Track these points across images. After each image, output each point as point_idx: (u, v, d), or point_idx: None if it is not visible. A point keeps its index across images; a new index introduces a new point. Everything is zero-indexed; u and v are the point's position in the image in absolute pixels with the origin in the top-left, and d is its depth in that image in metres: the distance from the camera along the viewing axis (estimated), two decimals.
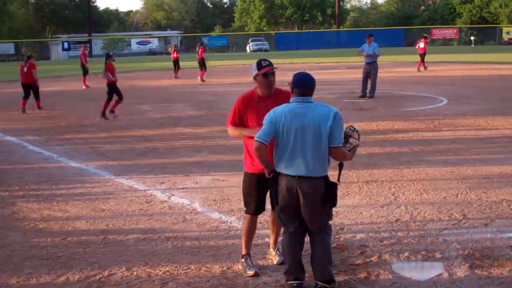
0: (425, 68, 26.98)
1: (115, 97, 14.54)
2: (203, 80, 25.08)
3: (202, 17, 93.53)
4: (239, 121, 4.81)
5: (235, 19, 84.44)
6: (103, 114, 14.40)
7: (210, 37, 73.42)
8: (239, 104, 4.81)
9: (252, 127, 4.73)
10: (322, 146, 4.23)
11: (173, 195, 7.35)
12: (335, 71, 27.59)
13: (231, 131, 4.90)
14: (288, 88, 4.56)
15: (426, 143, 10.28)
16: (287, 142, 4.28)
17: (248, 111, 4.78)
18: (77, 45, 59.20)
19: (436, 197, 6.94)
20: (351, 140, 4.42)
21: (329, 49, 56.60)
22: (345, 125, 4.36)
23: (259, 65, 4.73)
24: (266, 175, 4.44)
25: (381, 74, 25.12)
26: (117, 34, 77.35)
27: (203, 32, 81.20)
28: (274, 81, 4.78)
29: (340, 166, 4.47)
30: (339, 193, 7.02)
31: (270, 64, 4.77)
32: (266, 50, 64.67)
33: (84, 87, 23.70)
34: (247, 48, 68.21)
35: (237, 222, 6.16)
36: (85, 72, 24.34)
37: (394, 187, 7.39)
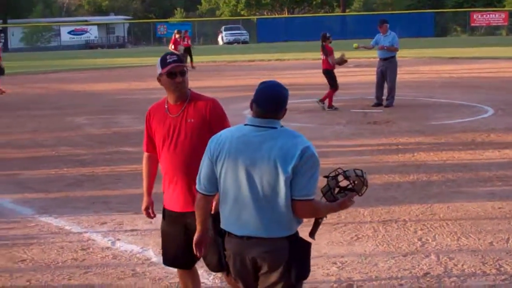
0: None
1: None
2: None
3: None
4: (153, 145, 4.91)
5: (202, 0, 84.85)
6: (330, 106, 17.04)
7: (169, 24, 73.65)
8: (146, 119, 4.96)
9: (158, 148, 4.83)
10: (280, 196, 3.84)
11: (118, 239, 7.33)
12: (340, 70, 27.72)
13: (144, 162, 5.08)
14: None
15: (464, 169, 10.38)
16: (230, 185, 3.94)
17: (156, 126, 4.88)
18: None
19: (479, 242, 6.99)
20: (344, 186, 4.05)
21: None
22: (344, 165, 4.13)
23: (163, 62, 4.73)
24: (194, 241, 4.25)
25: (402, 74, 25.36)
26: (42, 21, 77.22)
27: (159, 18, 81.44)
28: (185, 83, 4.77)
29: (317, 219, 4.13)
30: (346, 238, 7.11)
31: (179, 60, 4.75)
32: (245, 42, 65.20)
33: None
34: (219, 39, 68.69)
35: (207, 276, 6.15)
36: None
37: (421, 229, 7.44)
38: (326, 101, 17.04)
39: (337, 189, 4.00)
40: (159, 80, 4.78)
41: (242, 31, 67.86)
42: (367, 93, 18.28)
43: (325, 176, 3.98)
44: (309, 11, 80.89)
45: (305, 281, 5.93)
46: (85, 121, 16.33)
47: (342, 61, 17.40)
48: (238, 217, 3.93)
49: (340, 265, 6.41)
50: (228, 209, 3.96)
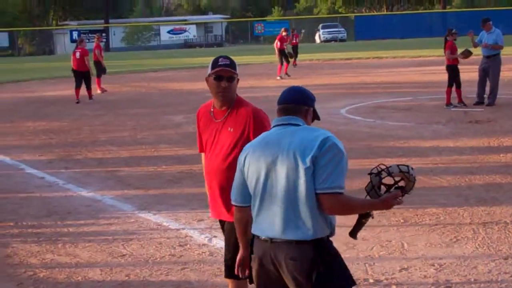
0: None
1: None
2: (287, 74, 26.79)
3: None
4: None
5: None
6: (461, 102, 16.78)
7: (266, 22, 74.06)
8: (197, 119, 4.87)
9: (206, 155, 4.75)
10: (301, 191, 3.60)
11: (215, 236, 7.42)
12: (439, 68, 27.25)
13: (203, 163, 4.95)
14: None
15: None
16: (255, 186, 3.77)
17: (203, 128, 4.81)
18: (90, 35, 60.75)
19: None
20: (389, 183, 3.78)
21: (431, 38, 55.97)
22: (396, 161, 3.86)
23: (215, 63, 4.60)
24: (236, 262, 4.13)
25: (505, 72, 24.68)
26: (143, 20, 78.89)
27: (257, 17, 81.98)
28: (231, 89, 4.64)
29: (362, 217, 3.82)
30: (445, 239, 6.99)
31: (231, 64, 4.60)
32: (342, 40, 64.78)
33: (99, 91, 24.08)
34: (317, 37, 68.52)
35: None
36: (101, 71, 24.58)
37: None
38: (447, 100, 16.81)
39: (383, 188, 3.76)
40: (207, 80, 4.69)
41: (340, 29, 67.48)
42: (469, 91, 17.85)
43: (369, 174, 3.78)
44: (408, 8, 79.67)
45: (402, 282, 5.90)
46: (183, 120, 16.59)
47: (466, 54, 17.03)
48: (263, 219, 3.73)
49: (438, 267, 6.31)
50: (256, 211, 3.78)
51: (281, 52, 27.19)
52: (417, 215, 7.94)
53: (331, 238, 3.71)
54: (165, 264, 6.64)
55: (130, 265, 6.66)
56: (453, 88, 16.74)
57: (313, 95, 3.92)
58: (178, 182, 10.16)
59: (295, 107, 3.81)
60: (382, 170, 3.75)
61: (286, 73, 26.86)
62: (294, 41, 31.77)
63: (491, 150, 11.56)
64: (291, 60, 28.96)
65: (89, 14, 79.45)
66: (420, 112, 16.55)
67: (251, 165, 3.75)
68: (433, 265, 6.34)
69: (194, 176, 10.49)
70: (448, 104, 16.74)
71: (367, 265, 6.38)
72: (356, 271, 6.19)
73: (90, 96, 21.44)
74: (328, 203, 3.55)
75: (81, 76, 21.31)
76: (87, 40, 58.74)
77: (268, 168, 3.67)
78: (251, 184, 3.76)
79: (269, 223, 3.68)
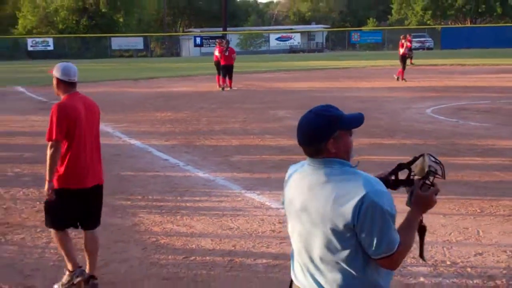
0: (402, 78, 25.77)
1: None
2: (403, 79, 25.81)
3: (353, 9, 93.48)
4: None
5: (393, 10, 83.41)
6: None
7: (362, 32, 73.21)
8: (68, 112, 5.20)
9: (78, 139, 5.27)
10: (337, 256, 2.67)
11: None
12: None
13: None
14: None
15: None
16: (290, 231, 2.96)
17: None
18: (210, 41, 61.79)
19: None
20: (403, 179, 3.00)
21: (510, 49, 53.93)
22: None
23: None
24: None
25: None
26: (255, 29, 79.58)
27: (354, 27, 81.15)
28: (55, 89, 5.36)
29: (419, 232, 2.91)
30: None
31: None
32: (429, 48, 63.22)
33: (219, 88, 24.22)
34: None
35: None
36: (225, 71, 24.36)
37: None
38: None
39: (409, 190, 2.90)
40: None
41: (427, 39, 65.80)
42: None
43: (406, 180, 2.95)
44: (490, 21, 77.06)
45: (476, 266, 5.70)
46: (286, 115, 16.59)
47: None
48: (296, 269, 2.90)
49: (511, 254, 6.06)
50: (292, 257, 2.97)
51: (403, 57, 26.62)
52: (492, 206, 7.66)
53: None
54: (266, 238, 6.66)
55: (236, 237, 6.72)
56: None
57: (331, 120, 2.79)
58: (279, 168, 10.15)
59: (315, 148, 2.76)
60: (430, 168, 2.83)
61: (403, 78, 25.83)
62: (409, 45, 29.20)
63: None
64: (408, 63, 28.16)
65: (210, 22, 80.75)
66: (499, 114, 15.96)
67: (285, 204, 3.03)
68: (506, 252, 6.10)
69: (293, 163, 10.47)
70: None
71: (445, 248, 6.21)
72: (435, 253, 6.05)
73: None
74: (387, 265, 2.69)
75: (227, 69, 24.09)
76: (207, 45, 59.75)
77: (299, 214, 2.85)
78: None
79: (299, 275, 2.90)
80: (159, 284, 5.50)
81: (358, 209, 2.57)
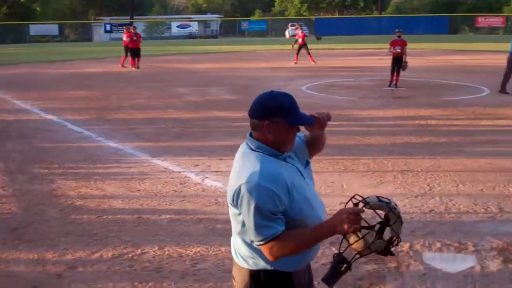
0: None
1: None
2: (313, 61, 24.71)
3: (243, 1, 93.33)
4: None
5: (276, 3, 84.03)
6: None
7: (250, 21, 73.34)
8: None
9: None
10: (234, 226, 2.58)
11: (206, 177, 7.42)
12: (375, 57, 27.21)
13: None
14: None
15: (465, 134, 10.10)
16: None
17: None
18: (119, 27, 59.87)
19: (472, 189, 6.83)
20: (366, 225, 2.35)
21: (369, 36, 55.81)
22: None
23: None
24: None
25: (422, 62, 24.72)
26: (158, 17, 77.92)
27: (243, 17, 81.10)
28: None
29: (336, 262, 2.41)
30: (373, 182, 7.03)
31: None
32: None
33: (133, 68, 23.93)
34: (286, 33, 67.87)
35: None
36: (133, 53, 24.13)
37: (429, 178, 7.29)
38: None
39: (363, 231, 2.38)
40: None
41: (304, 27, 66.82)
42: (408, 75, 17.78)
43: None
44: (354, 12, 79.29)
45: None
46: (186, 91, 16.43)
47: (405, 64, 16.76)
48: None
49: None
50: None
51: (304, 44, 25.33)
52: (353, 164, 7.98)
53: None
54: (169, 197, 6.63)
55: (143, 197, 6.64)
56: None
57: (278, 105, 2.46)
58: (180, 137, 10.11)
59: (253, 123, 2.49)
60: (359, 201, 2.41)
61: (313, 61, 24.73)
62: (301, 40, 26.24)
63: (409, 118, 11.59)
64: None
65: (119, 11, 78.31)
66: (360, 89, 16.52)
67: None
68: None
69: (193, 133, 10.45)
70: (391, 84, 16.57)
71: None
72: None
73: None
74: (265, 252, 2.44)
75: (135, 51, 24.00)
76: (117, 31, 57.80)
77: None
78: None
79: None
80: (75, 240, 5.36)
81: (237, 194, 2.39)
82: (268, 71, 22.08)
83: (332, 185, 7.01)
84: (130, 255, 4.99)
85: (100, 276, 4.63)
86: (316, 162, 7.91)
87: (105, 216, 6.01)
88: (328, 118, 2.69)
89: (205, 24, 73.44)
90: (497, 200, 6.36)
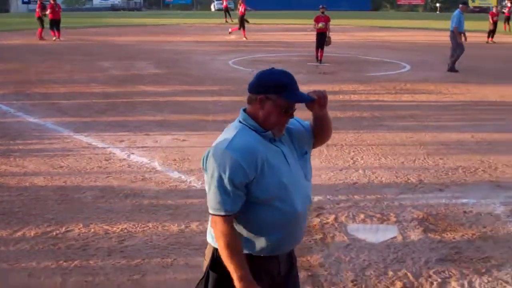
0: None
1: None
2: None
3: None
4: None
5: None
6: None
7: None
8: None
9: None
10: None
11: (132, 153, 7.29)
12: (302, 32, 27.46)
13: None
14: None
15: (387, 109, 10.41)
16: None
17: None
18: None
19: (394, 162, 7.06)
20: None
21: (296, 11, 56.21)
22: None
23: None
24: None
25: (346, 38, 25.19)
26: None
27: None
28: None
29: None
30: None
31: None
32: (232, 10, 63.94)
33: (56, 39, 23.45)
34: (212, 7, 67.27)
35: (196, 182, 6.16)
36: (54, 24, 23.71)
37: (353, 151, 7.48)
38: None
39: None
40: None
41: (230, 1, 66.44)
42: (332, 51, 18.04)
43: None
44: None
45: None
46: (110, 65, 15.99)
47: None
48: None
49: None
50: None
51: (241, 17, 25.09)
52: None
53: None
54: (94, 174, 6.46)
55: (66, 174, 6.44)
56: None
57: (275, 81, 2.40)
58: (104, 112, 9.85)
59: (248, 96, 2.48)
60: None
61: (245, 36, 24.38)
62: (241, 11, 25.56)
63: (334, 93, 11.77)
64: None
65: None
66: (286, 65, 16.61)
67: None
68: None
69: (117, 108, 10.20)
70: (317, 60, 16.82)
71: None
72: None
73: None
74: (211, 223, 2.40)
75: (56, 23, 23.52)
76: (34, 2, 55.55)
77: None
78: None
79: None
80: None
81: (206, 158, 2.34)
82: (195, 45, 21.82)
83: None
84: (54, 233, 4.84)
85: (23, 255, 4.47)
86: None
87: (26, 194, 5.78)
88: (325, 96, 2.58)
89: None
90: (417, 172, 6.62)
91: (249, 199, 2.33)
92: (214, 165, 2.29)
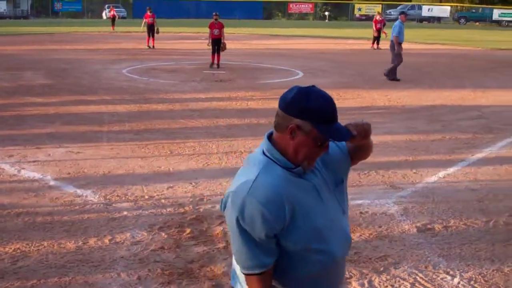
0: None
1: None
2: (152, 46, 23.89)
3: None
4: None
5: None
6: None
7: (64, 1, 69.52)
8: None
9: None
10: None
11: (23, 168, 6.90)
12: (196, 40, 27.40)
13: None
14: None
15: None
16: None
17: None
18: None
19: None
20: None
21: (189, 19, 56.15)
22: None
23: None
24: None
25: (239, 46, 25.44)
26: None
27: None
28: None
29: None
30: (199, 165, 7.08)
31: None
32: (123, 17, 62.75)
33: None
34: (103, 14, 65.63)
35: (93, 195, 5.94)
36: None
37: None
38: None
39: None
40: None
41: (121, 9, 65.05)
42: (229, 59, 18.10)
43: None
44: None
45: (169, 197, 5.89)
46: None
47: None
48: None
49: (195, 184, 6.38)
50: None
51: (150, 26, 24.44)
52: (180, 147, 7.96)
53: None
54: None
55: None
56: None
57: (318, 108, 1.97)
58: None
59: (279, 117, 2.04)
60: None
61: (153, 45, 23.95)
62: (150, 21, 24.90)
63: (230, 100, 11.87)
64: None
65: None
66: (182, 73, 16.52)
67: None
68: (191, 183, 6.41)
69: (6, 121, 9.63)
70: (212, 65, 17.26)
71: (143, 186, 6.29)
72: (135, 190, 6.09)
73: None
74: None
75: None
76: None
77: None
78: None
79: None
80: None
81: (224, 203, 1.99)
82: (86, 54, 21.10)
83: (159, 169, 6.93)
84: None
85: None
86: (141, 148, 7.79)
87: None
88: (365, 130, 2.11)
89: (14, 3, 68.12)
90: None
91: (285, 252, 1.99)
92: (235, 216, 1.91)
